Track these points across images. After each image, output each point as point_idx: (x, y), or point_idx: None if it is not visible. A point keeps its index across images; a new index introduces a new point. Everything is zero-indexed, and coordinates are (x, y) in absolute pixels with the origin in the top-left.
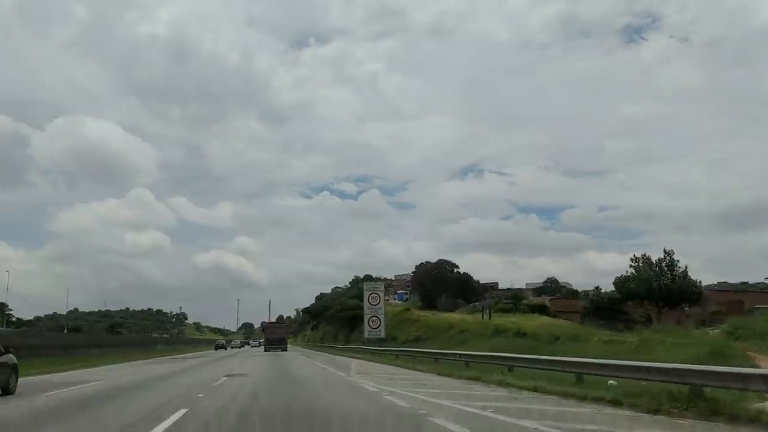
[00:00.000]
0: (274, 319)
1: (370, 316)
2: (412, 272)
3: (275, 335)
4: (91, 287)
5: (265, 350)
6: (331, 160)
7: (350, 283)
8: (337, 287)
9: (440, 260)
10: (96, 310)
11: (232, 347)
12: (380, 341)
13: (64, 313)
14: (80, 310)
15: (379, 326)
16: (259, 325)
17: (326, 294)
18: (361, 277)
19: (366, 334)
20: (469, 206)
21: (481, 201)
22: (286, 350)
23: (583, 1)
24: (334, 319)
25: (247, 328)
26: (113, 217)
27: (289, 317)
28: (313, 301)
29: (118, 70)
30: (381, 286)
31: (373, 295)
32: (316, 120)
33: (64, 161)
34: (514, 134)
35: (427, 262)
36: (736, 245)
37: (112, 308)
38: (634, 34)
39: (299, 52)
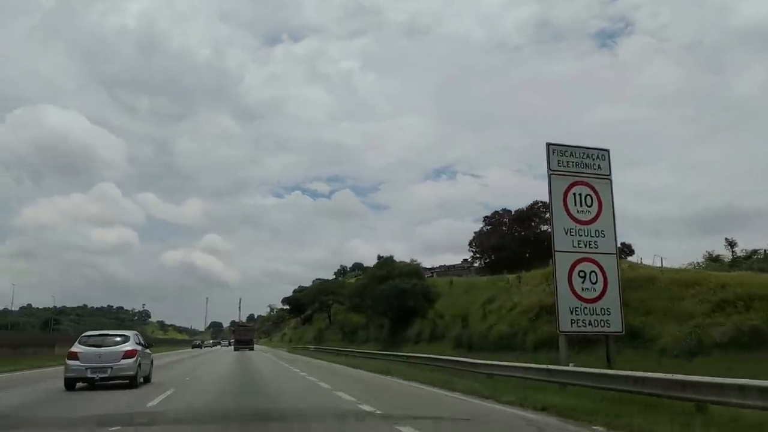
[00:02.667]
0: (244, 318)
1: (581, 256)
2: (483, 224)
3: (243, 337)
4: (53, 284)
5: (235, 349)
6: (303, 159)
7: (335, 273)
8: (318, 279)
9: (536, 203)
10: (51, 306)
11: (205, 346)
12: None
13: (17, 309)
14: (35, 306)
15: (603, 292)
16: (229, 324)
17: (306, 287)
18: (349, 267)
19: (568, 324)
20: (443, 208)
21: (454, 203)
22: (252, 349)
23: (557, 4)
24: (367, 297)
25: (215, 327)
26: (78, 212)
27: (261, 315)
28: (291, 295)
29: (84, 63)
30: (606, 157)
31: (583, 188)
32: (288, 118)
33: (25, 153)
34: (487, 136)
35: (504, 211)
36: (706, 248)
37: (71, 305)
38: (607, 38)
39: (272, 49)
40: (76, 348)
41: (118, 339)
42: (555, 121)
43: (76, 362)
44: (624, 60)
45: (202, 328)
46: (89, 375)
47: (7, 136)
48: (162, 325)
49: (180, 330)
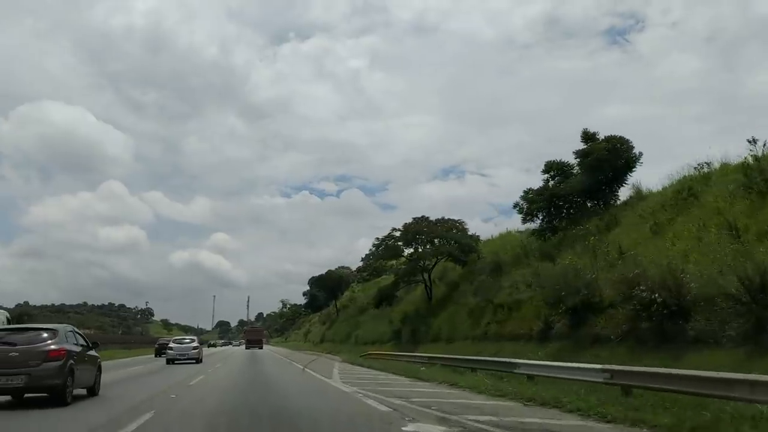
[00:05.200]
0: (252, 317)
1: None
2: None
3: (254, 337)
4: (60, 283)
5: (246, 348)
6: (310, 159)
7: (362, 259)
8: (342, 267)
9: None
10: (49, 304)
11: (215, 345)
12: None
13: (11, 306)
14: (31, 303)
15: None
16: (237, 324)
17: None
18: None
19: None
20: (451, 208)
21: (462, 202)
22: (261, 348)
23: (567, 1)
24: None
25: (223, 326)
26: (85, 210)
27: (273, 312)
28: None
29: (91, 61)
30: None
31: None
32: (295, 117)
33: (32, 151)
34: (496, 135)
35: None
36: None
37: (71, 302)
38: (617, 35)
39: (279, 48)
40: (172, 344)
41: (188, 340)
42: (565, 119)
43: (172, 351)
44: (634, 57)
45: (209, 328)
46: (178, 356)
47: (14, 134)
48: (166, 324)
49: (185, 329)
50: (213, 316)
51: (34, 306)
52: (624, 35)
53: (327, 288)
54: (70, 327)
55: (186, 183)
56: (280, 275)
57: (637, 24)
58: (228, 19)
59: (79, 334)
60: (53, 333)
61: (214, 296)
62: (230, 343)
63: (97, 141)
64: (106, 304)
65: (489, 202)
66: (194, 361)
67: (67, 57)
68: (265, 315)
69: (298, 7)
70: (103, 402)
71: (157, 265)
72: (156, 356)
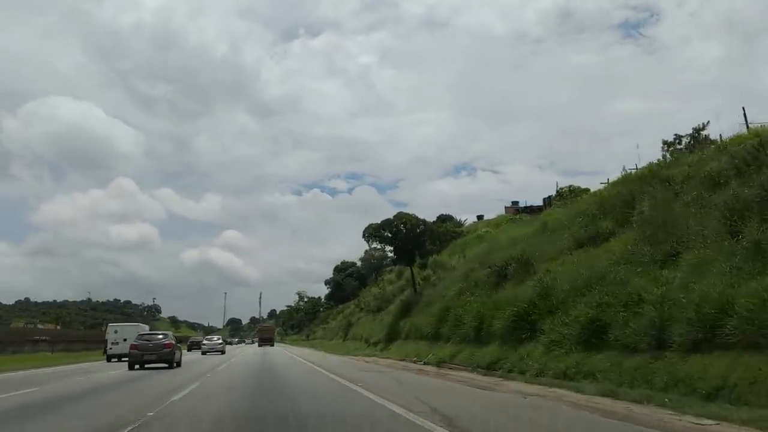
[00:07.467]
0: (264, 314)
1: None
2: None
3: (265, 336)
4: (71, 281)
5: (259, 346)
6: (321, 156)
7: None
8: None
9: None
10: (51, 300)
11: (230, 344)
12: None
13: (12, 302)
14: (33, 300)
15: None
16: (248, 321)
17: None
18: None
19: None
20: (462, 204)
21: (474, 199)
22: (273, 345)
23: None
24: None
25: (233, 324)
26: (96, 207)
27: (288, 306)
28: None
29: (101, 59)
30: None
31: None
32: (306, 114)
33: (42, 148)
34: (507, 130)
35: None
36: None
37: (75, 299)
38: (631, 29)
39: (289, 44)
40: (204, 341)
41: (216, 338)
42: (577, 115)
43: (205, 346)
44: (649, 50)
45: (220, 325)
46: (209, 350)
47: (24, 132)
48: (174, 321)
49: (194, 326)
50: (224, 313)
51: (36, 302)
52: (638, 28)
53: (402, 241)
54: (171, 333)
55: (197, 180)
56: (291, 273)
57: (652, 17)
58: (238, 16)
59: (174, 336)
60: (166, 335)
61: (225, 293)
62: (243, 341)
63: (108, 138)
64: (111, 300)
65: (501, 199)
66: (220, 353)
67: (77, 55)
68: (277, 312)
69: (307, 3)
70: (186, 369)
71: (168, 262)
72: (188, 351)
